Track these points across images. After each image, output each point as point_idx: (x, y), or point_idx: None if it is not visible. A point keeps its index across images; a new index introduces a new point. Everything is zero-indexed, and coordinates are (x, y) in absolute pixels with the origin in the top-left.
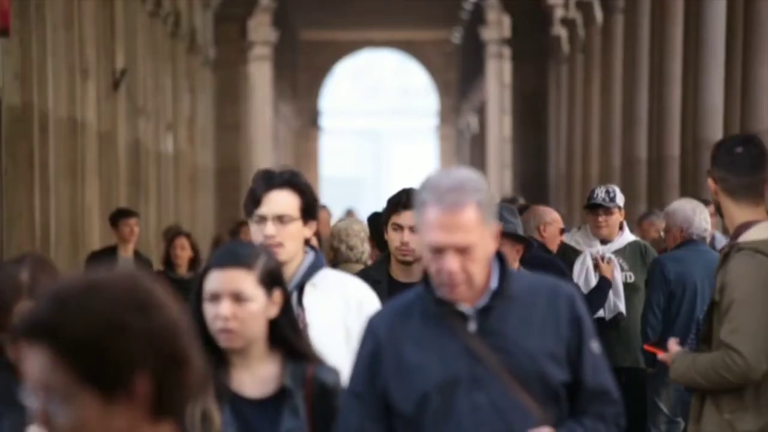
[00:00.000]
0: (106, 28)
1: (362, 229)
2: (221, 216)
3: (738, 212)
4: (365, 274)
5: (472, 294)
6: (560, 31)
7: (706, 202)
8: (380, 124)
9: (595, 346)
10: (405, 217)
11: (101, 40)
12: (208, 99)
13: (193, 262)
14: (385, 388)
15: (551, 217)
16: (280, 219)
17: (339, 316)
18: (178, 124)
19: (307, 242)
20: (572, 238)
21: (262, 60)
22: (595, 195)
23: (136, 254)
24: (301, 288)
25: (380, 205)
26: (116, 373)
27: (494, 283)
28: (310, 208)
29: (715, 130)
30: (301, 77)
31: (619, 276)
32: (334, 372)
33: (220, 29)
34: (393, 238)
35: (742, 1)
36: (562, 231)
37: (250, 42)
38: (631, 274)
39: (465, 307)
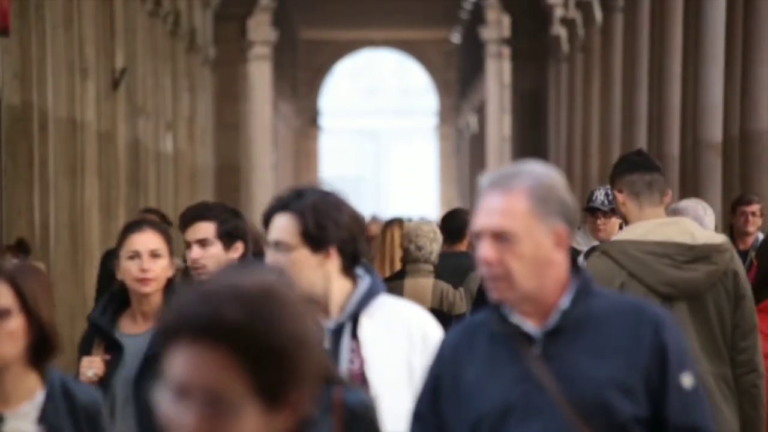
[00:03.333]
0: (105, 27)
1: (432, 230)
2: None
3: (639, 214)
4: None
5: (515, 294)
6: (560, 31)
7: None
8: (380, 124)
9: (686, 379)
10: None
11: (101, 39)
12: (208, 98)
13: None
14: (443, 411)
15: None
16: (278, 246)
17: (401, 351)
18: (177, 124)
19: (353, 265)
20: (572, 238)
21: (261, 59)
22: (594, 197)
23: None
24: (355, 318)
25: (380, 205)
26: (288, 386)
27: (565, 303)
28: (315, 234)
29: (714, 129)
30: (301, 77)
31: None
32: (366, 395)
33: (220, 28)
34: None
35: (742, 1)
36: None
37: (250, 41)
38: None
39: (531, 328)
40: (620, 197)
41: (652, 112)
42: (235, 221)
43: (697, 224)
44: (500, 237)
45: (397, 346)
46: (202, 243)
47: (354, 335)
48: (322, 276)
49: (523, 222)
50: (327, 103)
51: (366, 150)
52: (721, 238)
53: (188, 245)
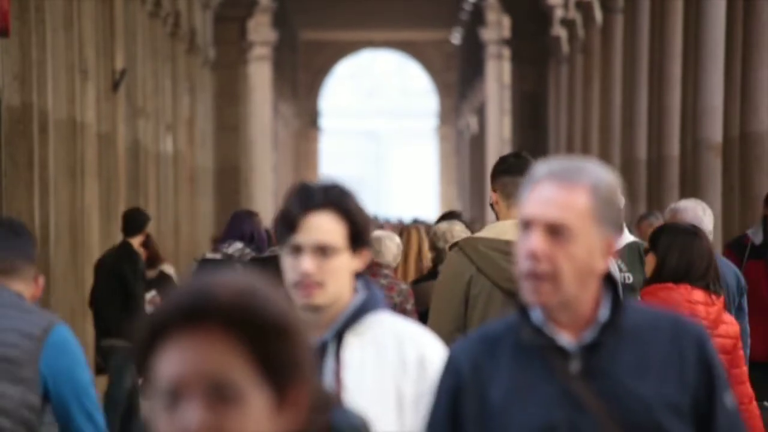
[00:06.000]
0: (105, 28)
1: (462, 230)
2: (220, 217)
3: (506, 213)
4: None
5: (557, 299)
6: (560, 32)
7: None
8: (380, 125)
9: (728, 399)
10: None
11: (101, 40)
12: (208, 99)
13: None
14: None
15: None
16: (323, 251)
17: (390, 376)
18: (177, 125)
19: (357, 276)
20: None
21: (261, 60)
22: None
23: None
24: (340, 337)
25: (380, 207)
26: (289, 371)
27: (604, 315)
28: (360, 236)
29: (714, 130)
30: (301, 78)
31: (617, 277)
32: (358, 418)
33: (220, 30)
34: None
35: (742, 2)
36: None
37: (250, 42)
38: (630, 275)
39: (567, 341)
40: (494, 196)
41: (652, 114)
42: None
43: None
44: (554, 231)
45: (385, 370)
46: None
47: (336, 356)
48: (348, 285)
49: (582, 220)
50: (327, 105)
51: (366, 151)
52: None
53: None
